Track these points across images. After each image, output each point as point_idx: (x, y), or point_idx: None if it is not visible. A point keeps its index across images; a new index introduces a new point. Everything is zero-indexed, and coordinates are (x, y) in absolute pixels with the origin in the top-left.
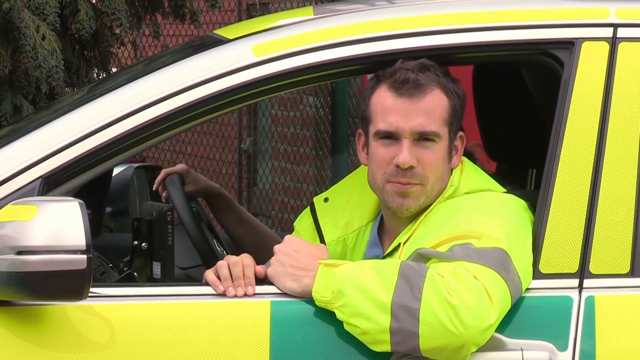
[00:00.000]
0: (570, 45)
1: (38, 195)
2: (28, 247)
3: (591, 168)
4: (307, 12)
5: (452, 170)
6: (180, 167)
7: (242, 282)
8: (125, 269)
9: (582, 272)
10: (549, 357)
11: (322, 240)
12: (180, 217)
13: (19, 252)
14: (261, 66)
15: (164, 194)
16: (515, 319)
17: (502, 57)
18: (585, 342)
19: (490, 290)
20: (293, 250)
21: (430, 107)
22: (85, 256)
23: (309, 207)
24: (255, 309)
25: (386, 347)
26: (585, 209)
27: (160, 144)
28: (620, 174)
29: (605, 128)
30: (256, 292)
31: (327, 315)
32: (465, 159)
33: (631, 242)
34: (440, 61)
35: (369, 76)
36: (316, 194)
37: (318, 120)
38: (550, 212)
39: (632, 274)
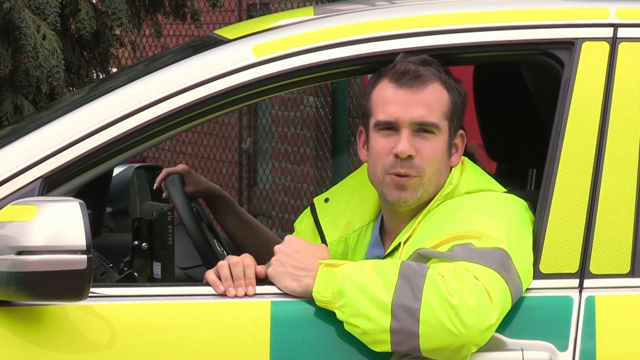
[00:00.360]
0: (571, 45)
1: (38, 195)
2: (28, 247)
3: (591, 168)
4: (307, 12)
5: (451, 168)
6: (181, 167)
7: (243, 282)
8: (125, 269)
9: (583, 272)
10: (549, 357)
11: (323, 241)
12: (180, 217)
13: (19, 252)
14: (261, 66)
15: (164, 194)
16: (516, 319)
17: (502, 57)
18: (586, 342)
19: (490, 290)
20: (293, 250)
21: (430, 99)
22: (85, 256)
23: (309, 207)
24: (255, 309)
25: (386, 347)
26: (586, 209)
27: (161, 144)
28: (620, 174)
29: (606, 128)
30: (257, 292)
31: (327, 316)
32: (465, 159)
33: (631, 242)
34: (440, 61)
35: (370, 76)
36: (316, 194)
37: (318, 121)
38: (551, 212)
39: (632, 274)
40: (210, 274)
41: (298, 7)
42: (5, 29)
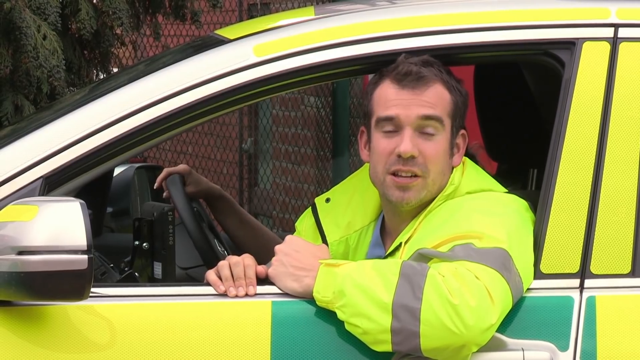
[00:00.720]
0: (571, 45)
1: (39, 195)
2: (29, 247)
3: (592, 168)
4: (308, 12)
5: (452, 168)
6: (182, 167)
7: (243, 282)
8: (126, 269)
9: (583, 272)
10: (550, 357)
11: (324, 241)
12: (181, 217)
13: (20, 252)
14: (262, 66)
15: (165, 194)
16: (517, 319)
17: (503, 57)
18: (587, 342)
19: (491, 290)
20: (294, 250)
21: (433, 99)
22: (86, 256)
23: (310, 207)
24: (256, 309)
25: (387, 347)
26: (586, 209)
27: (162, 144)
28: (621, 174)
29: (606, 128)
30: (257, 292)
31: (328, 315)
32: (466, 159)
33: (632, 242)
34: (441, 61)
35: (371, 76)
36: (317, 195)
37: (319, 121)
38: (551, 212)
39: (633, 274)
40: (210, 274)
41: (299, 7)
42: (5, 29)
